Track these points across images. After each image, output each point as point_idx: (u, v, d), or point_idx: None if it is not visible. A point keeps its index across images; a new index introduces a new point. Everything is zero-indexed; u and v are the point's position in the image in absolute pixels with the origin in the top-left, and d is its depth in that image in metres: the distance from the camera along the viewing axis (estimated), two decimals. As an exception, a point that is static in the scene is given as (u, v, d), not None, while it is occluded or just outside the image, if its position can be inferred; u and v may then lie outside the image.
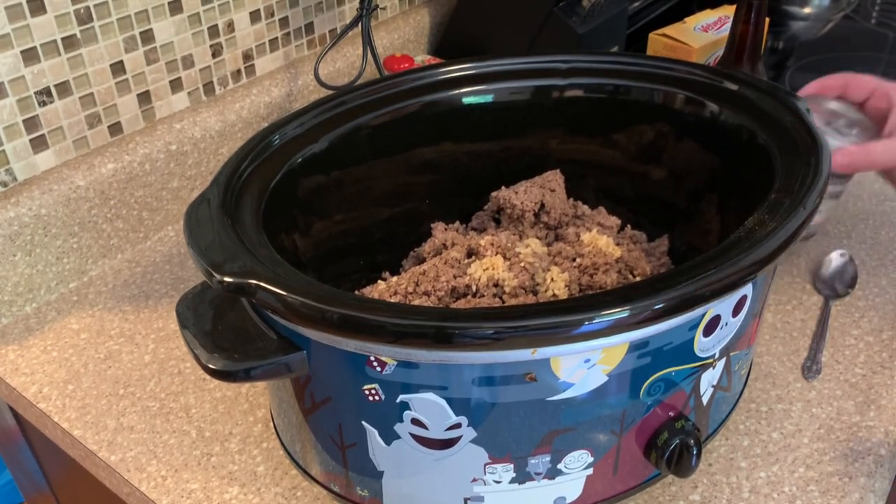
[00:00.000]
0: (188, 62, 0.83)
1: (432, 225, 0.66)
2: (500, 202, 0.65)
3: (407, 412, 0.45)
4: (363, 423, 0.47)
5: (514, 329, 0.40)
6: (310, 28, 0.96)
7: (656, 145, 0.65)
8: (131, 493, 0.58)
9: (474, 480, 0.48)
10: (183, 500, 0.56)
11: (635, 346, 0.44)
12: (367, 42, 0.94)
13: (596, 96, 0.65)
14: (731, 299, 0.47)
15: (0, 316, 0.72)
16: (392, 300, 0.55)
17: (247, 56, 0.89)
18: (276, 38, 0.92)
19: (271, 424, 0.60)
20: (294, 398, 0.50)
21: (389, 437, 0.47)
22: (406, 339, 0.41)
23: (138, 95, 0.80)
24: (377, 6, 1.02)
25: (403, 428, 0.46)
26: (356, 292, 0.59)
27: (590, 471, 0.48)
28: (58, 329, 0.71)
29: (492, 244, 0.58)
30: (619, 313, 0.40)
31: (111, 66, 0.76)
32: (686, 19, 0.92)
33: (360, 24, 0.94)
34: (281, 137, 0.58)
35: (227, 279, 0.44)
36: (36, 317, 0.73)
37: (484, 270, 0.55)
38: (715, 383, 0.51)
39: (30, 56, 0.69)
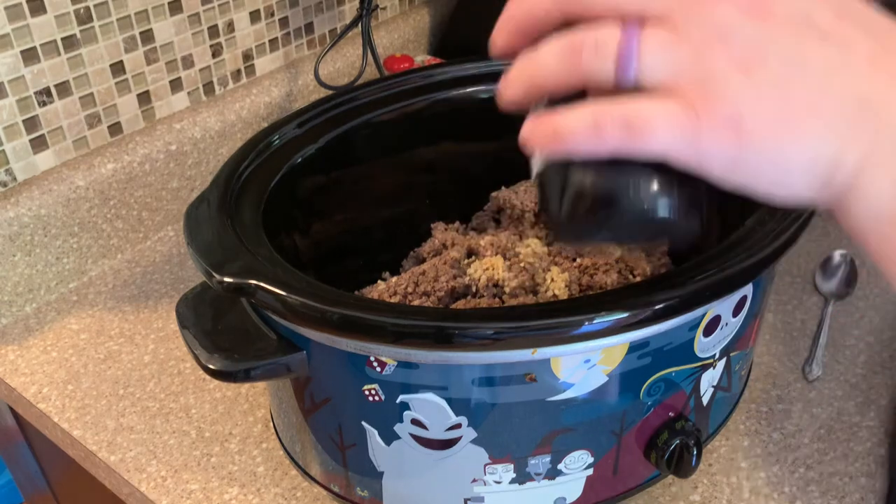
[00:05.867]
0: (188, 62, 0.83)
1: (432, 225, 0.66)
2: (500, 202, 0.65)
3: (407, 412, 0.45)
4: (363, 423, 0.47)
5: (514, 329, 0.40)
6: (310, 28, 0.96)
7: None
8: (131, 494, 0.58)
9: (474, 481, 0.48)
10: (183, 500, 0.56)
11: (635, 347, 0.43)
12: (367, 42, 0.94)
13: (596, 96, 0.65)
14: (732, 300, 0.47)
15: (0, 316, 0.72)
16: (392, 300, 0.55)
17: (247, 56, 0.89)
18: (276, 38, 0.92)
19: (271, 425, 0.60)
20: (294, 398, 0.50)
21: (389, 437, 0.47)
22: (406, 339, 0.41)
23: (138, 95, 0.80)
24: (377, 6, 1.01)
25: (403, 428, 0.46)
26: (356, 293, 0.59)
27: (590, 471, 0.48)
28: (57, 329, 0.71)
29: (492, 244, 0.58)
30: (619, 314, 0.40)
31: (111, 66, 0.76)
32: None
33: (360, 24, 0.94)
34: (281, 137, 0.58)
35: (226, 279, 0.43)
36: (36, 317, 0.73)
37: (484, 271, 0.55)
38: (715, 384, 0.51)
39: (30, 56, 0.69)
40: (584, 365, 0.43)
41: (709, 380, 0.50)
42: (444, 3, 1.11)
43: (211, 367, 0.45)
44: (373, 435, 0.47)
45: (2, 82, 0.68)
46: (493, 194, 0.66)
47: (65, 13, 0.71)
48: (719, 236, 0.59)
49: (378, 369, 0.43)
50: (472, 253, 0.59)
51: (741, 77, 0.29)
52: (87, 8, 0.72)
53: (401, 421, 0.45)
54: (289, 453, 0.56)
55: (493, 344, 0.40)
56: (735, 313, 0.48)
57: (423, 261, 0.63)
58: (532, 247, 0.57)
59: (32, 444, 0.78)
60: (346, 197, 0.63)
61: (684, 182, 0.31)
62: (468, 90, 0.65)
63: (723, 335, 0.48)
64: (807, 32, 0.29)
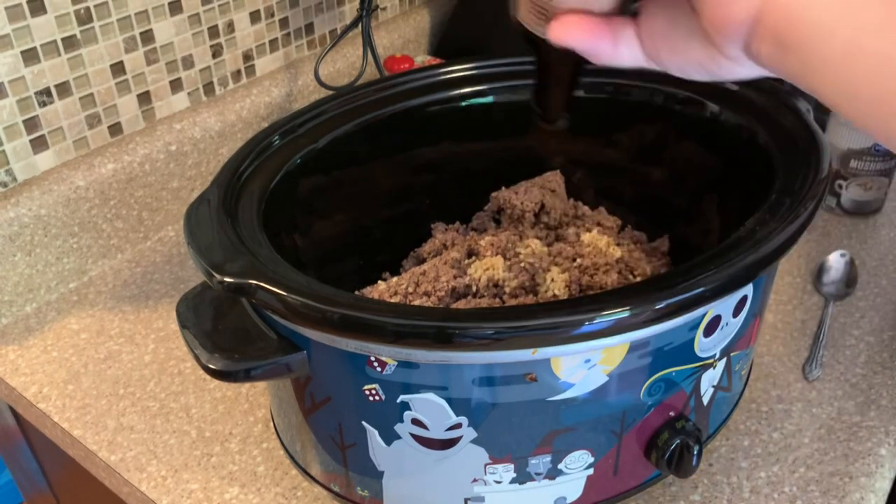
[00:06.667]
0: (188, 62, 0.83)
1: (432, 225, 0.66)
2: (500, 202, 0.65)
3: (407, 412, 0.45)
4: (363, 423, 0.47)
5: (514, 329, 0.40)
6: (310, 28, 0.96)
7: (656, 145, 0.65)
8: (131, 493, 0.58)
9: (475, 481, 0.48)
10: (183, 500, 0.56)
11: (636, 347, 0.43)
12: (368, 42, 0.94)
13: (596, 96, 0.65)
14: (732, 300, 0.47)
15: (0, 316, 0.72)
16: (392, 300, 0.55)
17: (247, 56, 0.89)
18: (277, 38, 0.92)
19: (271, 424, 0.60)
20: (294, 398, 0.50)
21: (390, 437, 0.47)
22: (406, 339, 0.41)
23: (138, 96, 0.80)
24: (377, 6, 1.02)
25: (404, 428, 0.46)
26: (356, 293, 0.59)
27: (590, 471, 0.48)
28: (58, 329, 0.71)
29: (492, 244, 0.58)
30: (620, 314, 0.40)
31: (111, 66, 0.76)
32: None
33: (360, 25, 0.94)
34: (281, 138, 0.58)
35: (227, 279, 0.43)
36: (36, 317, 0.73)
37: (484, 271, 0.55)
38: (715, 383, 0.51)
39: (30, 56, 0.69)
40: (585, 365, 0.43)
41: (709, 380, 0.50)
42: (444, 3, 1.11)
43: (211, 366, 0.45)
44: (373, 435, 0.47)
45: (2, 82, 0.68)
46: (493, 194, 0.66)
47: (65, 13, 0.71)
48: (719, 236, 0.59)
49: (378, 369, 0.43)
50: (472, 253, 0.59)
51: None
52: (88, 8, 0.72)
53: (401, 421, 0.45)
54: (289, 453, 0.56)
55: (493, 344, 0.40)
56: (735, 313, 0.48)
57: (424, 261, 0.63)
58: (532, 247, 0.57)
59: (32, 443, 0.78)
60: (346, 197, 0.63)
61: None
62: (468, 90, 0.65)
63: (723, 335, 0.48)
64: None
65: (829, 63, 0.28)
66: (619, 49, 0.36)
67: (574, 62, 0.38)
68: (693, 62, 0.34)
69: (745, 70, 0.33)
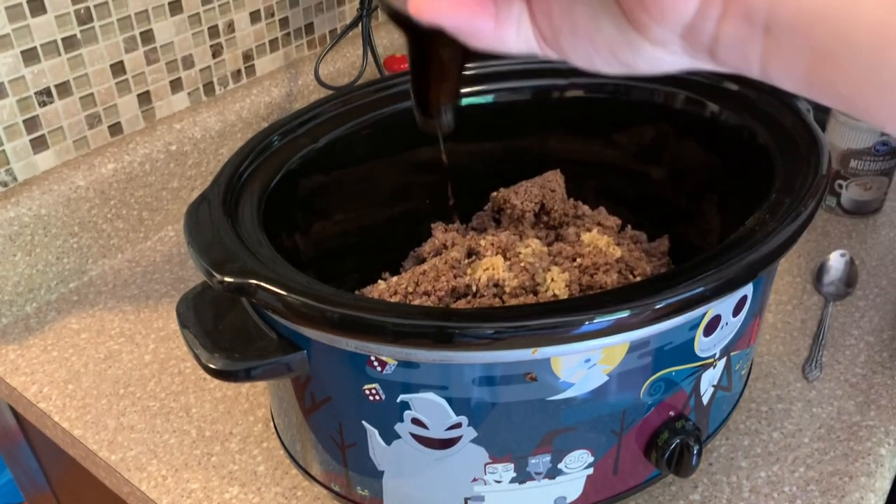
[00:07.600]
0: (188, 62, 0.83)
1: (432, 225, 0.66)
2: (500, 202, 0.65)
3: (407, 412, 0.45)
4: (363, 422, 0.47)
5: (514, 329, 0.40)
6: (310, 28, 0.96)
7: (657, 145, 0.65)
8: (131, 493, 0.58)
9: (475, 480, 0.48)
10: (183, 499, 0.56)
11: (636, 346, 0.44)
12: (368, 42, 0.94)
13: (596, 96, 0.65)
14: (732, 299, 0.47)
15: (0, 316, 0.72)
16: (392, 300, 0.55)
17: (247, 56, 0.89)
18: (277, 38, 0.92)
19: (271, 424, 0.60)
20: (294, 398, 0.50)
21: (390, 436, 0.47)
22: (406, 338, 0.41)
23: (138, 95, 0.80)
24: (377, 6, 1.01)
25: (404, 428, 0.46)
26: (356, 292, 0.59)
27: (590, 470, 0.48)
28: (58, 329, 0.71)
29: (492, 244, 0.58)
30: (620, 313, 0.40)
31: (111, 66, 0.76)
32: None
33: (360, 25, 0.94)
34: (281, 138, 0.58)
35: (227, 279, 0.44)
36: (36, 316, 0.73)
37: (484, 270, 0.55)
38: (715, 383, 0.51)
39: (30, 56, 0.69)
40: (585, 364, 0.43)
41: (709, 379, 0.50)
42: (444, 3, 1.11)
43: (211, 366, 0.45)
44: (373, 434, 0.47)
45: (2, 82, 0.68)
46: (493, 194, 0.66)
47: (65, 13, 0.71)
48: (719, 236, 0.59)
49: (378, 369, 0.43)
50: (472, 253, 0.59)
51: None
52: (88, 8, 0.72)
53: (401, 420, 0.46)
54: (289, 452, 0.56)
55: (493, 343, 0.40)
56: (735, 313, 0.48)
57: (424, 261, 0.63)
58: (532, 247, 0.57)
59: (33, 443, 0.78)
60: (346, 197, 0.63)
61: None
62: (468, 90, 0.65)
63: (723, 335, 0.48)
64: None
65: (851, 47, 0.21)
66: (504, 30, 0.27)
67: (450, 44, 0.30)
68: (602, 48, 0.26)
69: (673, 59, 0.25)
